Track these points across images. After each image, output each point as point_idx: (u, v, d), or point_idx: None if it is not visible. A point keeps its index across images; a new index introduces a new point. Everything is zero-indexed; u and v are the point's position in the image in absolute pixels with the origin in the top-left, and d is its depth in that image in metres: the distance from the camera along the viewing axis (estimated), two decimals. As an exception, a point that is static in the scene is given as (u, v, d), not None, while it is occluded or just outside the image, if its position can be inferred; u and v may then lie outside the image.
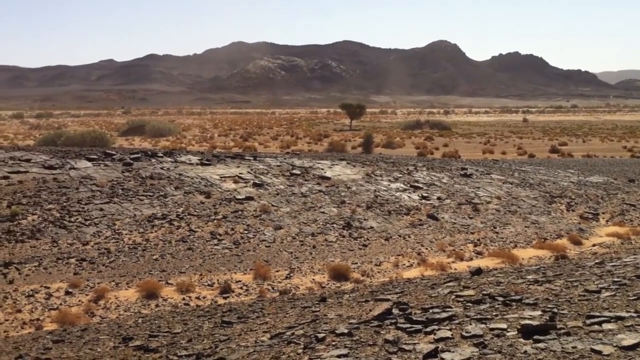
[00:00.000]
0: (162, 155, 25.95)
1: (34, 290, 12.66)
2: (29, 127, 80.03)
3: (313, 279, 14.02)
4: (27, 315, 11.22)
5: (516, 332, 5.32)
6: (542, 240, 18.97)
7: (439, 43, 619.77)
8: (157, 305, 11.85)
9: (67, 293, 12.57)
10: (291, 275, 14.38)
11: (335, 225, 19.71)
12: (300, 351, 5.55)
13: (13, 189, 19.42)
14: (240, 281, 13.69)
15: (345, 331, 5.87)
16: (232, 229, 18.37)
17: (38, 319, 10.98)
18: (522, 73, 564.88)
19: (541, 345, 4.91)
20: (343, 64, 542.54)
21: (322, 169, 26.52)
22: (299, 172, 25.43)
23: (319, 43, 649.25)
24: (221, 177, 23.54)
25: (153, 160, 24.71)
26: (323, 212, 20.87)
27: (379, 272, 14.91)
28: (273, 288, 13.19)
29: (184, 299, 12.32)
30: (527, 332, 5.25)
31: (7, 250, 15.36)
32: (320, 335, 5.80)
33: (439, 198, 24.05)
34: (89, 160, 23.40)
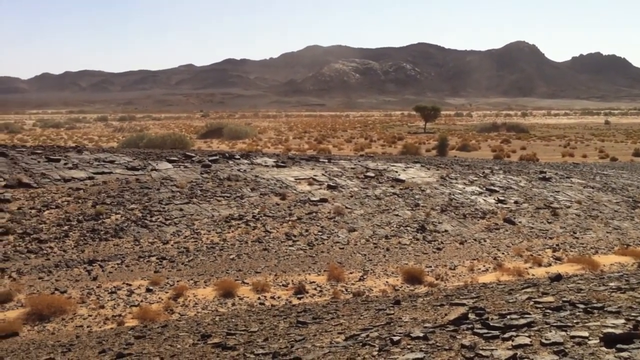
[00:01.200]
0: (239, 157, 26.46)
1: (117, 287, 13.12)
2: (113, 130, 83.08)
3: (386, 282, 13.99)
4: (109, 311, 11.62)
5: (598, 341, 5.18)
6: (625, 246, 18.29)
7: (517, 44, 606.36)
8: (233, 304, 12.08)
9: (148, 290, 12.98)
10: (364, 277, 14.39)
11: (409, 228, 19.60)
12: (375, 353, 5.56)
13: (98, 189, 20.23)
14: (314, 282, 13.80)
15: (421, 335, 5.84)
16: (307, 231, 18.54)
17: (120, 315, 11.36)
18: (604, 74, 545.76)
19: (624, 354, 4.77)
20: (418, 67, 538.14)
21: (396, 172, 26.42)
22: (373, 175, 25.42)
23: (394, 45, 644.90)
24: (296, 179, 23.79)
25: (230, 162, 25.23)
26: (397, 215, 20.78)
27: (453, 276, 14.74)
28: (346, 290, 13.23)
29: (259, 298, 12.51)
30: (609, 340, 5.10)
31: (91, 248, 16.01)
32: (396, 338, 5.80)
33: (516, 202, 23.55)
34: (170, 161, 24.12)
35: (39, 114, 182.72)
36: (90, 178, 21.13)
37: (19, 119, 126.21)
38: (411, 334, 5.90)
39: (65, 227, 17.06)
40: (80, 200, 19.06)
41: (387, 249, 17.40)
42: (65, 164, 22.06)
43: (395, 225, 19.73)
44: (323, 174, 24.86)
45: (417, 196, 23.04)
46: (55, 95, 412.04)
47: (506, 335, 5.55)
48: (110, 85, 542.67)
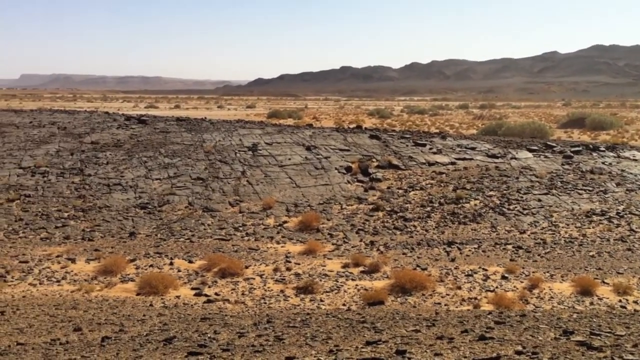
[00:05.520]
0: (604, 149, 25.04)
1: (473, 271, 13.56)
2: (473, 117, 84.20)
3: None
4: (465, 293, 12.07)
5: None
6: None
7: None
8: (591, 303, 11.60)
9: (503, 277, 13.15)
10: None
11: None
12: None
13: (458, 174, 21.09)
14: (686, 292, 12.49)
15: None
16: (681, 234, 16.77)
17: (475, 298, 11.72)
18: None
19: None
20: None
21: None
22: None
23: None
24: (671, 177, 21.62)
25: (594, 154, 24.02)
26: None
27: None
28: None
29: (620, 300, 11.81)
30: None
31: (450, 231, 16.81)
32: None
33: None
34: (530, 151, 23.93)
35: (406, 100, 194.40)
36: (452, 163, 22.13)
37: (389, 105, 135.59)
38: None
39: (428, 209, 18.20)
40: (442, 184, 20.11)
41: None
42: (430, 148, 23.45)
43: None
44: None
45: None
46: (422, 83, 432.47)
47: None
48: (472, 73, 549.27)
